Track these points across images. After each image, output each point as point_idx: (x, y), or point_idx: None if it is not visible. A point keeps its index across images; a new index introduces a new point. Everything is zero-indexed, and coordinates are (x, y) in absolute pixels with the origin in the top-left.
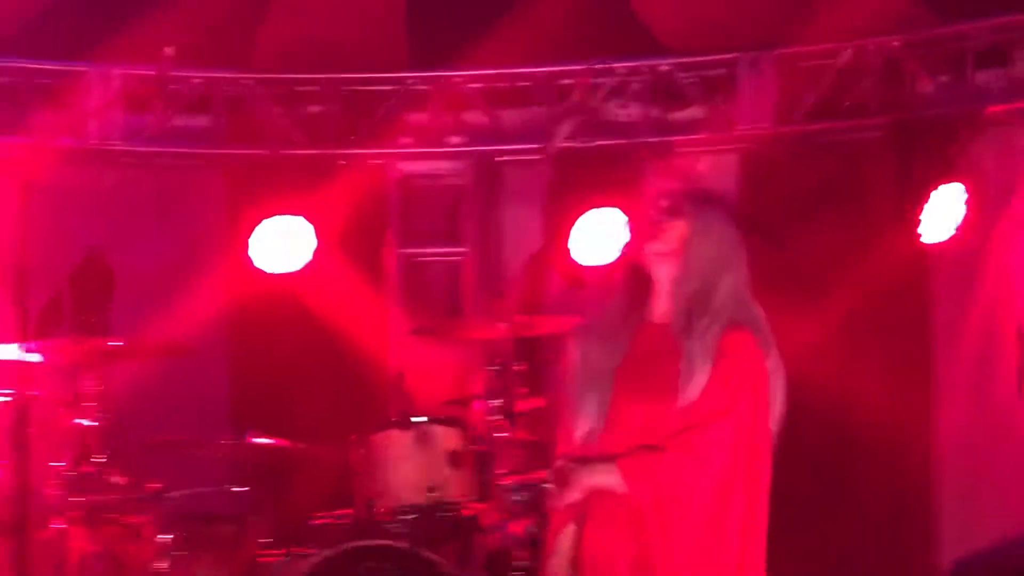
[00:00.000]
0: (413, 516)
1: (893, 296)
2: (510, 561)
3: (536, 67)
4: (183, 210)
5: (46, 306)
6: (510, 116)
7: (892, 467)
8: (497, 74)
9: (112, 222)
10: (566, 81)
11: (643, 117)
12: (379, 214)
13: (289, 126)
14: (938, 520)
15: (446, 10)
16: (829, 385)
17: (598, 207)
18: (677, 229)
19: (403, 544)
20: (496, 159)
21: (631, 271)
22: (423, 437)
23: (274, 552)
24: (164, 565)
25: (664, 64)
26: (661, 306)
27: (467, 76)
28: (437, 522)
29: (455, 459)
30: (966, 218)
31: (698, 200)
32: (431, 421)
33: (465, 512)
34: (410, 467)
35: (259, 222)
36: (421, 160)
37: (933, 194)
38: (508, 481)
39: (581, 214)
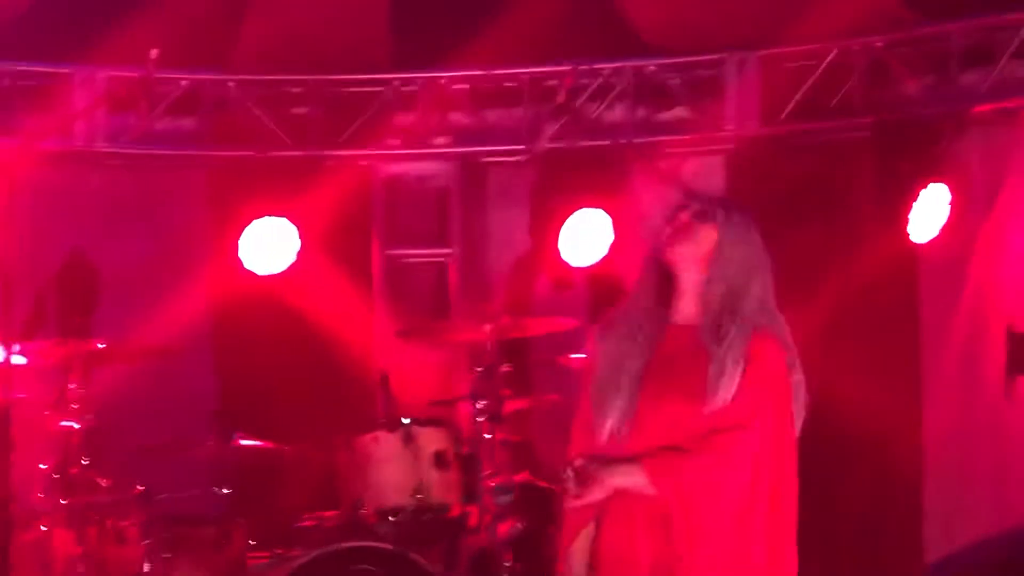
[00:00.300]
0: (399, 517)
1: (879, 296)
2: (496, 562)
3: (522, 68)
4: (168, 211)
5: (30, 308)
6: (496, 117)
7: (879, 466)
8: (483, 75)
9: (97, 224)
10: (552, 82)
11: (629, 118)
12: (364, 215)
13: (274, 127)
14: (925, 518)
15: (431, 11)
16: (815, 384)
17: (584, 208)
18: (707, 233)
19: (389, 546)
20: (482, 160)
21: (655, 272)
22: (409, 439)
23: (259, 554)
24: (148, 568)
25: (650, 65)
26: (686, 308)
27: (452, 77)
28: (423, 523)
29: (441, 460)
30: (951, 218)
31: (728, 206)
32: (417, 423)
33: (451, 513)
34: (396, 468)
35: (244, 224)
36: (406, 161)
37: (918, 194)
38: (494, 482)
39: (567, 215)
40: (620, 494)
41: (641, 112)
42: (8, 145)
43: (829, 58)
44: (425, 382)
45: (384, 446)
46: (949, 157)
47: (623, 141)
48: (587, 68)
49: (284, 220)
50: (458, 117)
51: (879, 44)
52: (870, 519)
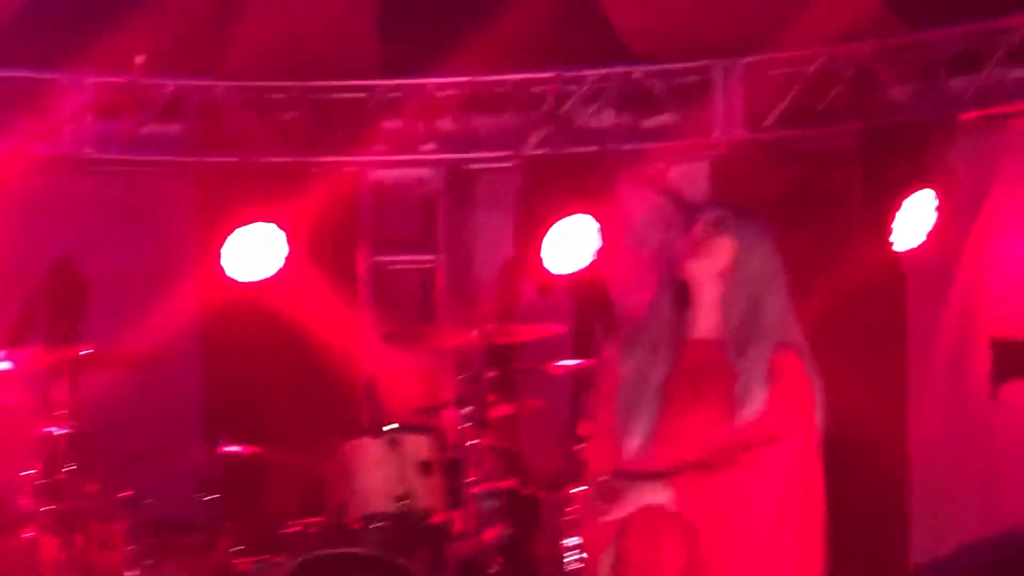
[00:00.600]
0: (384, 524)
1: (866, 302)
2: (482, 568)
3: (509, 74)
4: (155, 217)
5: (18, 314)
6: (482, 123)
7: (866, 471)
8: (470, 81)
9: (84, 229)
10: (539, 89)
11: (615, 124)
12: (351, 221)
13: (261, 133)
14: (912, 522)
15: (418, 17)
16: None
17: (570, 214)
18: (724, 246)
19: (374, 552)
20: (468, 166)
21: (671, 286)
22: (394, 445)
23: (245, 560)
24: (135, 573)
25: (636, 71)
26: (704, 322)
27: (439, 83)
28: (408, 530)
29: (426, 466)
30: (938, 224)
31: (743, 216)
32: (402, 429)
33: (436, 519)
34: (381, 474)
35: (231, 230)
36: (393, 167)
37: (905, 200)
38: (479, 488)
39: (553, 221)
40: (646, 510)
41: (627, 118)
42: None
43: (816, 65)
44: (411, 388)
45: (370, 452)
46: (936, 163)
47: (609, 147)
48: (573, 75)
49: (272, 226)
50: (445, 123)
51: (866, 51)
52: (857, 525)
